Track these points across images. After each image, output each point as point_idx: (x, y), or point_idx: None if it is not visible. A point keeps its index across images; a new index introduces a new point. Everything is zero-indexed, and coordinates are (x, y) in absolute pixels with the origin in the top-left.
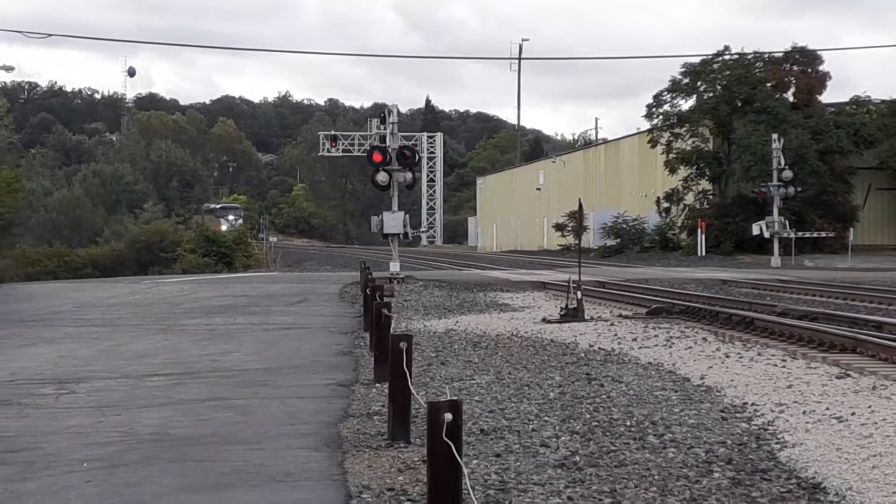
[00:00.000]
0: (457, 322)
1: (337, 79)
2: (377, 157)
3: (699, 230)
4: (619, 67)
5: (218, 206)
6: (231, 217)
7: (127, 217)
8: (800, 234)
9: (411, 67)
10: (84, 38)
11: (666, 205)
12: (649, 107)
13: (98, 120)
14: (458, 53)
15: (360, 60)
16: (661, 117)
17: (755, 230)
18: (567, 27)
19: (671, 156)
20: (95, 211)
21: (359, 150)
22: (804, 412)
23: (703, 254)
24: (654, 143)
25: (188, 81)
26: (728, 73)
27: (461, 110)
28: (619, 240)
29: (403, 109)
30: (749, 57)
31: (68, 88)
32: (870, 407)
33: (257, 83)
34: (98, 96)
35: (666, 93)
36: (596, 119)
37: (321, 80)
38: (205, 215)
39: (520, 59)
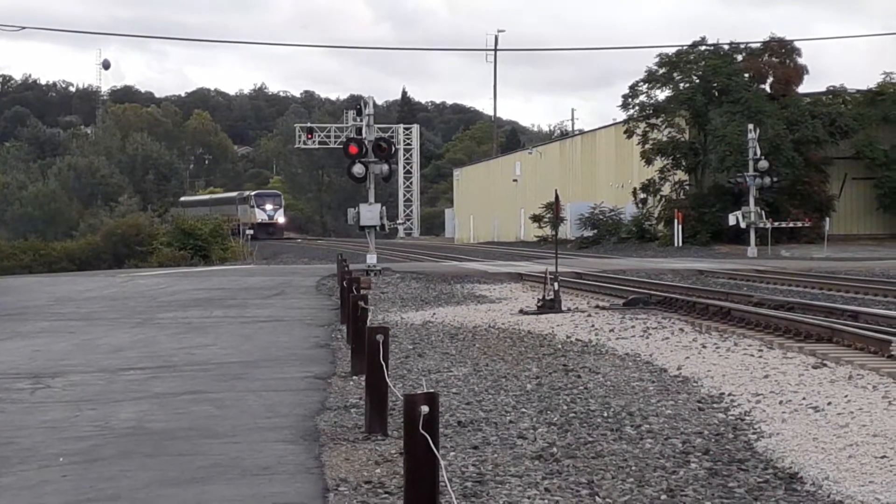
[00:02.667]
0: (434, 314)
1: (312, 71)
2: (353, 149)
3: (676, 221)
4: (594, 58)
5: (253, 194)
6: (269, 207)
7: (103, 210)
8: (776, 224)
9: (386, 59)
10: (57, 30)
11: (642, 195)
12: (625, 97)
13: (73, 113)
14: (429, 44)
15: (335, 52)
16: (637, 108)
17: (731, 220)
18: (540, 17)
19: (647, 146)
20: (71, 204)
21: (335, 142)
22: (781, 402)
23: (680, 244)
24: (630, 133)
25: (161, 73)
26: (704, 63)
27: (437, 101)
28: (595, 231)
29: (379, 101)
30: (725, 47)
31: (42, 81)
32: (846, 396)
33: (232, 75)
34: (72, 89)
35: (642, 83)
36: (572, 110)
37: (296, 72)
38: (179, 208)
39: (496, 50)
